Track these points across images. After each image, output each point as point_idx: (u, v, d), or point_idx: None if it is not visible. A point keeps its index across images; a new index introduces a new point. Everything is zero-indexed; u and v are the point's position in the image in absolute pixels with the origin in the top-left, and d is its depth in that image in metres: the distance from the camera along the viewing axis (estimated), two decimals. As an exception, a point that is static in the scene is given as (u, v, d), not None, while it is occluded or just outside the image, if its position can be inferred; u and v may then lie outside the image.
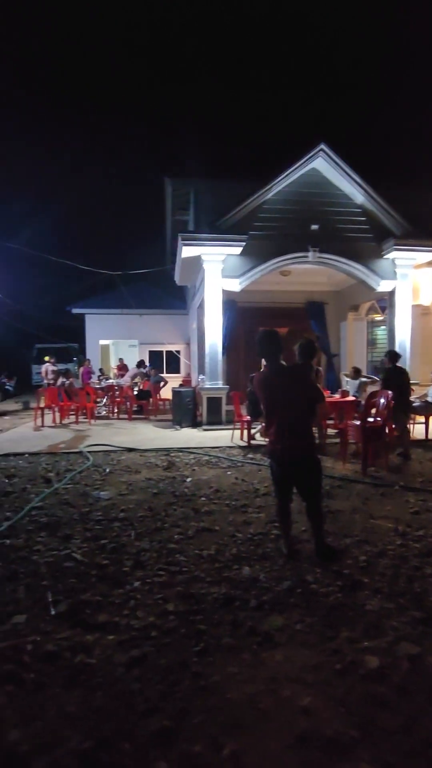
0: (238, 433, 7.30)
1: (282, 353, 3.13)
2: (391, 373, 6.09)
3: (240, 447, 6.80)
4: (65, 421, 9.78)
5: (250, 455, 6.26)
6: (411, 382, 6.34)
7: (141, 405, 10.58)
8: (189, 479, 5.07)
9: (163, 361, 16.38)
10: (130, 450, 6.67)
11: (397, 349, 8.98)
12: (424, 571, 2.84)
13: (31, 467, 5.74)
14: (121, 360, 14.76)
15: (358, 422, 5.66)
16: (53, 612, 2.42)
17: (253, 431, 6.93)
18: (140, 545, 3.27)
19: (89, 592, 2.63)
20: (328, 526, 3.55)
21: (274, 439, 3.06)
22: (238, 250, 8.53)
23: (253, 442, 6.85)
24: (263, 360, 3.24)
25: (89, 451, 6.48)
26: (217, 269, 8.61)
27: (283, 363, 3.23)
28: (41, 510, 4.08)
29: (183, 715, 1.72)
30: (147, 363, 13.96)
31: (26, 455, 6.42)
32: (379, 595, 2.58)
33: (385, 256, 9.01)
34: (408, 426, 6.26)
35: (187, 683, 1.89)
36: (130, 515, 3.90)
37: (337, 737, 1.61)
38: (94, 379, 13.34)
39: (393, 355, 6.32)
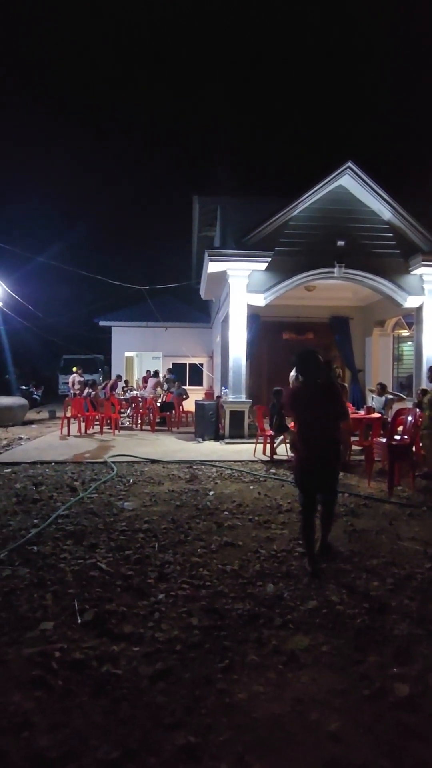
0: (260, 447, 7.27)
1: (321, 374, 3.26)
2: None
3: (262, 461, 6.77)
4: (90, 431, 9.96)
5: (272, 470, 6.22)
6: None
7: (164, 417, 10.68)
8: (211, 492, 5.07)
9: (186, 374, 16.50)
10: (154, 461, 6.73)
11: (424, 365, 8.80)
12: (456, 596, 2.75)
13: (57, 475, 5.86)
14: (148, 372, 14.88)
15: (384, 440, 5.56)
16: (80, 620, 2.46)
17: (275, 446, 6.89)
18: (164, 557, 3.29)
19: (114, 602, 2.66)
20: (353, 546, 3.50)
21: (303, 453, 3.18)
22: (264, 265, 8.61)
23: (275, 456, 6.80)
24: (298, 376, 3.35)
25: (113, 462, 6.58)
26: (242, 284, 8.70)
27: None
28: (67, 518, 4.15)
29: (208, 732, 1.71)
30: (170, 373, 14.11)
31: (53, 463, 6.56)
32: (407, 619, 2.51)
33: (412, 272, 8.90)
34: None
35: (212, 699, 1.88)
36: (154, 527, 3.93)
37: (368, 766, 1.57)
38: (119, 390, 13.56)
39: None
